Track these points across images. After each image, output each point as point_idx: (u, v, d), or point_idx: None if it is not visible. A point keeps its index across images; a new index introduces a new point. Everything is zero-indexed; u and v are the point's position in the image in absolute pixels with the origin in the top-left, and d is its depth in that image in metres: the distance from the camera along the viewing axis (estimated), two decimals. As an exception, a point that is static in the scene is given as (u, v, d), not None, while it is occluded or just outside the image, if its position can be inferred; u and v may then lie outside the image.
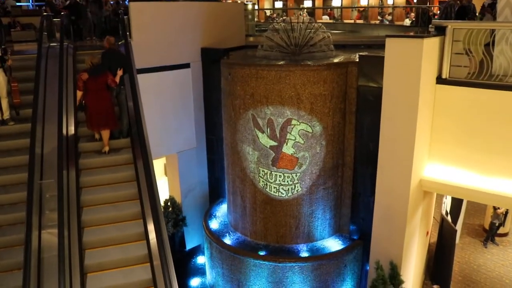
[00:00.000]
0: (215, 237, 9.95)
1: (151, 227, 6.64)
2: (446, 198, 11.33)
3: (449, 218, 10.95)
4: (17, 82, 8.31)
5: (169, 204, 11.23)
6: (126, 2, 20.87)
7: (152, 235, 6.55)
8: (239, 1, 30.10)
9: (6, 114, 8.40)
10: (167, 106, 10.89)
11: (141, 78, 9.28)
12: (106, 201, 7.53)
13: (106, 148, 8.31)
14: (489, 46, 8.02)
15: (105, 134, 8.31)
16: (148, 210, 6.88)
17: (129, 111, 8.61)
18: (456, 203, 11.45)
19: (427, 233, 10.80)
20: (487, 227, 13.07)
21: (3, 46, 8.46)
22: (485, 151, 7.64)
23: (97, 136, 8.51)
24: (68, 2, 14.63)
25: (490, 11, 11.05)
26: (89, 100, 8.23)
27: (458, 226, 11.17)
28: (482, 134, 7.63)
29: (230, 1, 30.14)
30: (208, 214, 11.02)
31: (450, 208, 11.41)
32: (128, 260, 6.70)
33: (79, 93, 8.26)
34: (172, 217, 10.96)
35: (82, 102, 8.36)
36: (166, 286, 5.80)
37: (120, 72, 8.50)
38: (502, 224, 12.76)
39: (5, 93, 8.27)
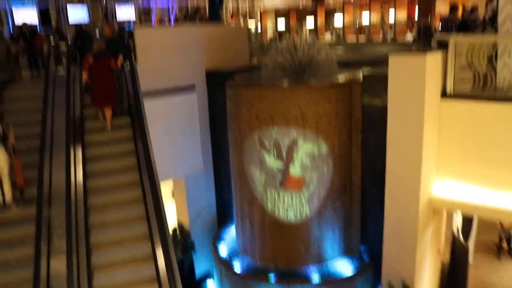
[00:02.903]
0: (224, 263, 9.87)
1: (159, 251, 6.72)
2: (456, 216, 11.17)
3: (460, 235, 10.77)
4: (20, 162, 7.35)
5: (177, 230, 11.16)
6: (131, 28, 21.20)
7: (161, 259, 6.62)
8: (242, 23, 30.47)
9: (8, 197, 7.37)
10: (174, 130, 10.93)
11: (148, 103, 9.38)
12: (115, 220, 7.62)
13: (109, 126, 9.18)
14: (492, 60, 8.01)
15: (108, 112, 9.16)
16: (156, 232, 6.94)
17: (135, 129, 8.93)
18: (467, 221, 11.28)
19: (439, 251, 10.62)
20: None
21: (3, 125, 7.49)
22: (493, 165, 7.56)
23: (100, 115, 9.35)
24: (75, 29, 15.03)
25: (491, 24, 11.06)
26: (94, 81, 9.12)
27: (470, 244, 10.97)
28: (490, 148, 7.55)
29: (233, 23, 30.52)
30: (216, 238, 10.94)
31: (461, 226, 11.24)
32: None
33: (85, 75, 9.21)
34: (181, 243, 10.89)
35: (87, 83, 9.25)
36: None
37: (121, 58, 9.51)
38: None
39: (6, 174, 7.27)
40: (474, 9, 11.61)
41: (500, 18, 8.54)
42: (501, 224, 12.34)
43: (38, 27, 26.32)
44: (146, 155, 8.11)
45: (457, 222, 11.17)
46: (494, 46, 7.94)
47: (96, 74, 9.10)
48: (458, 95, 7.79)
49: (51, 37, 16.13)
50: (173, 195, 13.97)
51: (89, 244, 7.04)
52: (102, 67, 9.09)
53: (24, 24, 14.94)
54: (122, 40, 10.41)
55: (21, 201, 7.47)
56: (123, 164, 8.57)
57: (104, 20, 30.23)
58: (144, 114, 8.95)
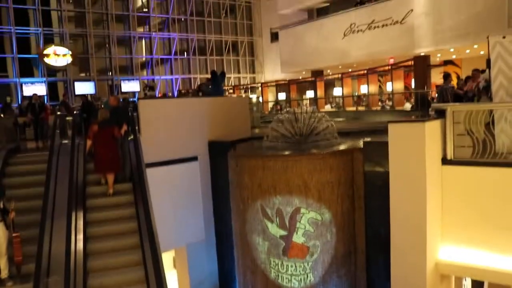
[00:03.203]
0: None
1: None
2: (465, 281, 10.86)
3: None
4: (20, 238, 7.16)
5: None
6: (135, 99, 21.82)
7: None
8: (243, 95, 31.35)
9: (4, 273, 7.16)
10: (176, 199, 10.93)
11: (150, 171, 9.49)
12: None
13: (111, 191, 9.35)
14: (489, 125, 8.18)
15: (110, 178, 9.38)
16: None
17: (137, 202, 8.99)
18: (478, 286, 10.95)
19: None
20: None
21: (4, 197, 7.39)
22: (498, 229, 7.48)
23: (103, 180, 9.58)
24: (81, 101, 15.56)
25: (485, 93, 11.40)
26: (98, 148, 9.41)
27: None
28: (493, 212, 7.52)
29: (235, 95, 31.41)
30: (219, 309, 10.62)
31: (471, 292, 10.90)
32: None
33: (89, 142, 9.55)
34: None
35: (91, 150, 9.55)
36: None
37: (124, 127, 9.91)
38: None
39: (4, 250, 7.09)
40: (468, 79, 12.01)
41: (493, 88, 8.82)
42: None
43: (45, 99, 27.15)
44: (147, 220, 8.17)
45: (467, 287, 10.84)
46: (491, 113, 8.15)
47: (100, 141, 9.41)
48: (458, 161, 7.88)
49: (57, 109, 16.61)
50: (174, 265, 13.69)
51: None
52: (106, 134, 9.43)
53: (35, 95, 15.42)
54: (126, 110, 10.94)
55: (18, 278, 7.22)
56: (123, 228, 8.67)
57: (109, 93, 31.19)
58: (146, 180, 9.06)
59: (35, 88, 27.92)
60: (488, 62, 8.93)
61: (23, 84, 28.49)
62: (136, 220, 8.70)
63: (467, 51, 23.34)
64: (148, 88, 27.42)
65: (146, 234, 8.05)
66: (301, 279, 8.96)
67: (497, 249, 7.55)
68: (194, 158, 11.35)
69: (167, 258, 13.28)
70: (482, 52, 22.26)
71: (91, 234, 8.38)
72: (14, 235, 7.10)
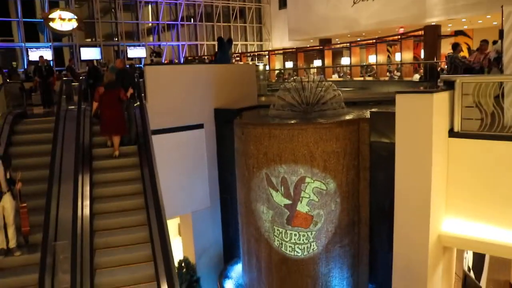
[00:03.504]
0: (230, 300, 9.71)
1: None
2: (467, 253, 10.98)
3: (472, 274, 10.56)
4: (27, 208, 7.24)
5: (183, 265, 11.05)
6: (141, 65, 21.68)
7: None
8: (250, 62, 31.05)
9: (12, 243, 7.29)
10: (181, 166, 10.99)
11: (155, 138, 9.51)
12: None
13: (117, 153, 9.59)
14: (499, 98, 8.08)
15: (116, 140, 9.59)
16: (162, 272, 6.84)
17: (142, 165, 9.15)
18: (479, 258, 11.08)
19: (450, 290, 10.39)
20: (514, 283, 12.53)
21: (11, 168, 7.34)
22: (504, 203, 7.48)
23: (109, 143, 9.81)
24: (87, 67, 15.43)
25: (496, 64, 11.21)
26: (104, 110, 9.55)
27: (483, 283, 10.73)
28: (499, 185, 7.50)
29: (241, 62, 31.12)
30: (223, 275, 10.82)
31: (472, 264, 11.03)
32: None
33: (95, 104, 9.72)
34: (186, 278, 10.75)
35: (97, 111, 9.73)
36: None
37: (130, 90, 9.97)
38: None
39: (11, 220, 7.19)
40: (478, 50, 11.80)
41: (505, 59, 8.67)
42: None
43: (51, 64, 26.99)
44: (152, 182, 8.37)
45: (468, 261, 10.97)
46: (501, 86, 8.03)
47: (106, 104, 9.53)
48: (465, 134, 7.81)
49: (63, 75, 16.55)
50: (179, 232, 13.89)
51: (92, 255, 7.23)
52: (112, 97, 9.55)
53: (41, 58, 15.22)
54: (132, 73, 11.04)
55: (26, 247, 7.37)
56: (129, 189, 8.91)
57: (115, 58, 30.99)
58: (152, 144, 9.20)
59: (40, 53, 27.76)
60: (501, 32, 8.76)
61: (28, 49, 28.32)
62: (141, 181, 8.90)
63: (479, 21, 22.88)
64: (155, 54, 27.17)
65: (151, 195, 8.26)
66: (304, 248, 9.06)
67: (500, 223, 7.56)
68: (200, 126, 11.35)
69: (172, 225, 13.50)
70: (495, 23, 21.82)
71: (97, 195, 8.63)
72: (21, 205, 7.15)
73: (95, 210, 8.29)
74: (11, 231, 7.20)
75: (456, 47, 12.34)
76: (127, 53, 32.69)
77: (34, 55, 27.20)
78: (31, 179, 8.47)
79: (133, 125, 10.12)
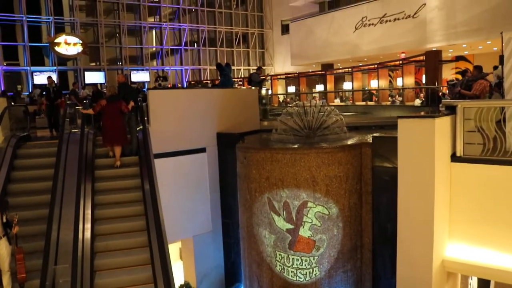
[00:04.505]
0: (232, 326, 9.56)
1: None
2: (472, 279, 10.82)
3: (477, 301, 10.38)
4: (23, 253, 6.85)
5: (184, 289, 10.94)
6: (145, 89, 21.84)
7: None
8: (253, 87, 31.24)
9: None
10: (183, 190, 10.98)
11: (158, 162, 9.52)
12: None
13: (118, 163, 9.88)
14: (501, 123, 8.09)
15: (117, 150, 9.90)
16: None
17: (143, 182, 9.29)
18: (484, 284, 10.91)
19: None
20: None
21: (7, 212, 6.96)
22: (507, 228, 7.42)
23: (111, 153, 10.11)
24: (91, 91, 15.52)
25: (497, 90, 11.27)
26: (106, 121, 9.94)
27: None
28: (502, 210, 7.45)
29: (244, 87, 31.35)
30: (224, 300, 10.68)
31: (477, 290, 10.85)
32: None
33: (91, 111, 10.32)
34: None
35: (100, 123, 10.30)
36: None
37: (132, 103, 10.30)
38: None
39: (7, 266, 6.75)
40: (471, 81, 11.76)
41: (506, 84, 8.72)
42: None
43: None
44: (151, 190, 8.61)
45: (473, 286, 10.79)
46: (502, 110, 8.05)
47: (108, 115, 9.91)
48: (468, 159, 7.80)
49: (67, 98, 16.59)
50: (180, 256, 13.76)
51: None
52: (114, 109, 9.92)
53: (49, 78, 15.00)
54: (133, 88, 11.69)
55: None
56: (129, 197, 9.20)
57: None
58: (154, 170, 9.18)
59: (45, 77, 28.01)
60: (501, 58, 8.82)
61: (33, 73, 28.61)
62: (141, 189, 9.13)
63: (480, 47, 23.10)
64: (162, 79, 27.42)
65: (150, 202, 8.50)
66: (306, 273, 8.96)
67: (504, 248, 7.48)
68: (202, 150, 11.38)
69: (173, 250, 13.39)
70: (495, 49, 22.04)
71: (99, 202, 8.85)
72: (17, 255, 6.78)
73: (96, 215, 8.51)
74: (6, 278, 6.78)
75: (464, 73, 12.42)
76: (131, 77, 32.98)
77: (38, 79, 27.46)
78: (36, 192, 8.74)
79: (134, 136, 10.45)
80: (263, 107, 15.91)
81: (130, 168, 9.88)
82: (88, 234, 7.86)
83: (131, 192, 9.26)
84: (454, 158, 7.93)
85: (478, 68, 11.81)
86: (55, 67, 29.93)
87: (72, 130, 10.92)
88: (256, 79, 16.70)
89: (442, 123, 7.69)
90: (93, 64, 33.22)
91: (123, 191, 9.31)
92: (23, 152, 10.09)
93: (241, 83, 35.46)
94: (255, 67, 41.51)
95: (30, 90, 25.88)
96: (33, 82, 27.78)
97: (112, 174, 9.72)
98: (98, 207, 8.76)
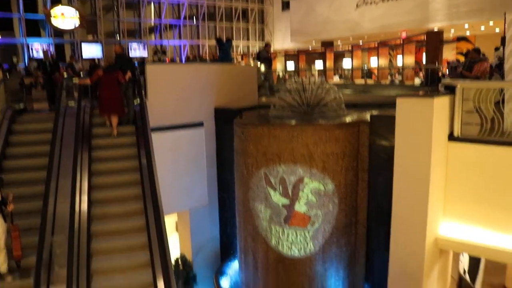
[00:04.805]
0: (226, 298, 9.72)
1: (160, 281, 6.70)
2: (463, 256, 10.99)
3: (467, 277, 10.57)
4: (19, 231, 6.76)
5: (179, 262, 11.06)
6: (142, 63, 21.67)
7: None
8: (252, 63, 31.06)
9: (4, 267, 6.78)
10: (180, 164, 11.01)
11: (155, 136, 9.52)
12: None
13: (115, 132, 9.94)
14: (499, 104, 8.10)
15: (114, 120, 9.94)
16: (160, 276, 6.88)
17: (140, 152, 9.33)
18: (474, 262, 11.09)
19: (445, 293, 10.41)
20: (509, 286, 12.53)
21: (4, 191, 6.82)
22: (501, 208, 7.51)
23: (108, 122, 10.16)
24: (89, 65, 15.36)
25: (497, 71, 11.24)
26: (102, 91, 10.00)
27: (477, 286, 10.74)
28: (497, 190, 7.53)
29: (243, 63, 31.13)
30: (219, 272, 10.85)
31: (468, 267, 11.04)
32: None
33: (88, 81, 10.55)
34: (183, 275, 10.77)
35: (96, 92, 10.39)
36: None
37: (129, 73, 10.32)
38: None
39: (2, 244, 6.70)
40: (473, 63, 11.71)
41: (506, 66, 8.70)
42: None
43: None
44: (148, 159, 8.65)
45: (464, 263, 10.98)
46: (501, 92, 8.05)
47: (104, 85, 9.99)
48: (465, 138, 7.83)
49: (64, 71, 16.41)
50: (176, 228, 13.90)
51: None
52: (111, 79, 10.00)
53: (46, 52, 14.87)
54: (130, 58, 11.40)
55: (18, 272, 6.85)
56: (125, 165, 9.26)
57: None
58: (151, 144, 9.15)
59: (42, 51, 27.66)
60: (503, 40, 8.78)
61: (29, 44, 28.25)
62: (137, 159, 9.17)
63: (482, 27, 22.90)
64: (161, 53, 27.23)
65: (146, 170, 8.56)
66: (301, 247, 9.08)
67: (496, 227, 7.59)
68: (200, 124, 11.37)
69: (170, 222, 13.51)
70: (497, 30, 21.86)
71: (96, 171, 8.89)
72: (13, 233, 6.70)
73: (93, 184, 8.57)
74: (2, 256, 6.74)
75: (467, 54, 12.36)
76: (129, 50, 32.64)
77: (35, 51, 27.14)
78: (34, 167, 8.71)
79: (131, 107, 10.46)
80: (268, 83, 15.89)
81: (127, 138, 9.93)
82: (84, 205, 7.87)
83: (128, 162, 9.31)
84: (451, 138, 7.96)
85: (477, 51, 11.77)
86: (51, 39, 29.54)
87: (69, 103, 10.88)
88: (264, 56, 16.59)
89: (441, 103, 7.69)
90: (90, 37, 32.82)
91: (119, 160, 9.38)
92: (19, 127, 9.99)
93: (240, 58, 35.21)
94: (255, 43, 41.32)
95: (26, 62, 25.57)
96: (30, 55, 27.45)
97: (109, 144, 9.77)
98: (95, 176, 8.80)
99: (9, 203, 6.67)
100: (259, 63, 16.65)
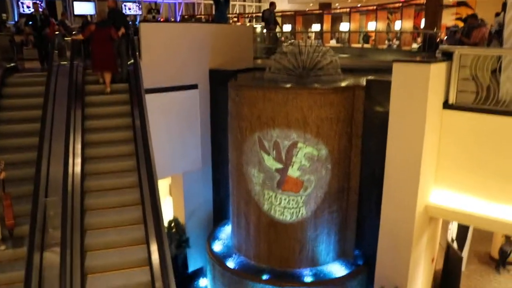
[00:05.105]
0: (218, 260, 9.86)
1: (154, 248, 6.65)
2: (452, 225, 11.19)
3: (455, 245, 10.79)
4: (11, 199, 6.55)
5: (172, 225, 11.16)
6: (137, 23, 21.23)
7: (155, 257, 6.54)
8: (248, 23, 30.50)
9: None
10: (174, 127, 10.92)
11: (149, 98, 9.38)
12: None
13: (108, 89, 9.74)
14: (496, 72, 8.03)
15: (107, 77, 9.74)
16: (152, 233, 6.89)
17: (133, 110, 9.18)
18: (462, 230, 11.31)
19: (433, 260, 10.64)
20: (494, 255, 12.84)
21: None
22: (492, 177, 7.57)
23: (101, 80, 9.91)
24: (81, 22, 14.88)
25: (497, 37, 11.08)
26: (95, 48, 9.77)
27: (464, 254, 10.98)
28: (489, 160, 7.57)
29: (239, 23, 30.55)
30: (212, 236, 10.95)
31: (456, 235, 11.26)
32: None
33: (80, 37, 10.31)
34: (176, 238, 10.88)
35: (89, 49, 10.11)
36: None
37: (122, 29, 10.07)
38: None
39: None
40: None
41: (505, 33, 8.56)
42: (507, 236, 12.29)
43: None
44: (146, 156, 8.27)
45: (452, 232, 11.18)
46: (499, 59, 7.96)
47: (97, 41, 9.73)
48: (460, 106, 7.80)
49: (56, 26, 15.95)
50: (170, 192, 13.96)
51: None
52: (103, 34, 9.71)
53: (35, 4, 14.09)
54: (123, 14, 11.47)
55: (11, 241, 6.70)
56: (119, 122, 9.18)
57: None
58: (145, 104, 9.08)
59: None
60: (505, 5, 8.61)
61: (19, 0, 27.43)
62: (130, 116, 9.07)
63: (483, -8, 22.46)
64: (155, 11, 26.63)
65: (140, 128, 8.47)
66: (293, 212, 9.16)
67: (487, 196, 7.67)
68: (194, 86, 11.21)
69: (163, 185, 13.57)
70: (497, -5, 21.44)
71: (89, 127, 8.80)
72: (5, 201, 6.50)
73: (86, 140, 8.51)
74: None
75: (466, 19, 12.13)
76: (122, 8, 31.87)
77: (26, 8, 26.38)
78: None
79: (125, 63, 10.25)
80: (272, 45, 15.47)
81: (120, 95, 9.78)
82: (78, 163, 7.81)
83: (122, 118, 9.22)
84: (446, 105, 7.94)
85: (474, 16, 11.58)
86: (43, -5, 28.73)
87: (61, 62, 10.65)
88: (267, 16, 16.10)
89: (437, 69, 7.62)
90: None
91: (113, 117, 9.29)
92: (10, 89, 9.67)
93: (236, 19, 34.55)
94: (251, 3, 40.46)
95: (16, 19, 24.90)
96: (19, 11, 26.68)
97: (103, 100, 9.64)
98: (89, 132, 8.72)
99: (0, 171, 6.44)
100: (261, 25, 16.16)
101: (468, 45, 10.74)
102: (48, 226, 6.58)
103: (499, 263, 12.59)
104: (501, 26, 9.99)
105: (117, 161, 8.42)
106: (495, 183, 7.56)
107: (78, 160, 7.82)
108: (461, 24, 19.78)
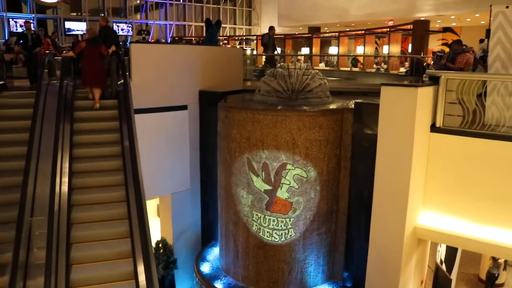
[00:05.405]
0: (206, 281, 9.75)
1: (141, 268, 6.59)
2: (440, 247, 11.20)
3: (444, 267, 10.79)
4: None
5: (160, 245, 11.03)
6: (127, 44, 21.35)
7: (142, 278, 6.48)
8: (238, 46, 30.83)
9: None
10: (163, 147, 10.90)
11: (138, 118, 9.38)
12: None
13: (97, 105, 9.86)
14: (481, 97, 8.17)
15: (97, 93, 9.86)
16: (139, 249, 6.84)
17: (122, 125, 9.26)
18: (451, 252, 11.32)
19: (422, 282, 10.60)
20: (482, 276, 12.86)
21: None
22: (479, 200, 7.63)
23: (90, 96, 10.02)
24: (72, 42, 14.92)
25: (481, 63, 11.29)
26: (85, 64, 9.89)
27: (453, 275, 10.97)
28: (476, 182, 7.64)
29: (229, 45, 30.86)
30: (200, 257, 10.84)
31: (444, 257, 11.27)
32: None
33: (70, 54, 10.54)
34: (163, 259, 10.74)
35: (79, 67, 10.24)
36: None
37: (113, 47, 10.27)
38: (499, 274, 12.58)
39: None
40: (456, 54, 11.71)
41: (490, 58, 8.74)
42: (494, 259, 12.33)
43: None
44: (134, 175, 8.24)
45: (441, 254, 11.18)
46: (484, 84, 8.11)
47: (87, 58, 9.86)
48: (447, 129, 7.91)
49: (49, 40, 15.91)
50: (158, 213, 13.85)
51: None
52: (94, 52, 9.86)
53: (27, 23, 13.99)
54: (114, 31, 11.59)
55: None
56: (107, 137, 9.27)
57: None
58: (134, 126, 9.06)
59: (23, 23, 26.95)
60: (488, 32, 8.80)
61: (10, 19, 27.48)
62: (119, 132, 9.15)
63: (468, 19, 23.05)
64: (146, 32, 26.87)
65: (128, 143, 8.58)
66: (282, 234, 9.12)
67: (474, 218, 7.72)
68: (184, 107, 11.24)
69: (151, 206, 13.46)
70: (483, 22, 22.03)
71: (77, 141, 8.86)
72: None
73: (74, 155, 8.55)
74: None
75: (451, 45, 12.34)
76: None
77: (16, 26, 26.44)
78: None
79: (114, 80, 10.34)
80: (271, 66, 15.49)
81: (109, 111, 9.85)
82: (65, 181, 7.75)
83: (110, 133, 9.28)
84: (434, 128, 8.03)
85: (458, 42, 11.80)
86: (33, 15, 28.85)
87: (51, 81, 10.62)
88: (266, 40, 16.27)
89: (425, 93, 7.73)
90: (74, 14, 32.13)
91: (102, 132, 9.36)
92: None
93: (226, 41, 34.89)
94: (241, 26, 40.99)
95: (7, 38, 24.89)
96: (10, 30, 26.71)
97: (92, 116, 9.71)
98: (77, 146, 8.77)
99: None
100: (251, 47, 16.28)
101: (453, 70, 10.93)
102: (33, 245, 6.49)
103: (487, 286, 12.61)
104: (485, 52, 10.20)
105: (105, 176, 8.51)
106: (483, 205, 7.62)
107: (66, 179, 7.77)
108: (447, 50, 20.19)
